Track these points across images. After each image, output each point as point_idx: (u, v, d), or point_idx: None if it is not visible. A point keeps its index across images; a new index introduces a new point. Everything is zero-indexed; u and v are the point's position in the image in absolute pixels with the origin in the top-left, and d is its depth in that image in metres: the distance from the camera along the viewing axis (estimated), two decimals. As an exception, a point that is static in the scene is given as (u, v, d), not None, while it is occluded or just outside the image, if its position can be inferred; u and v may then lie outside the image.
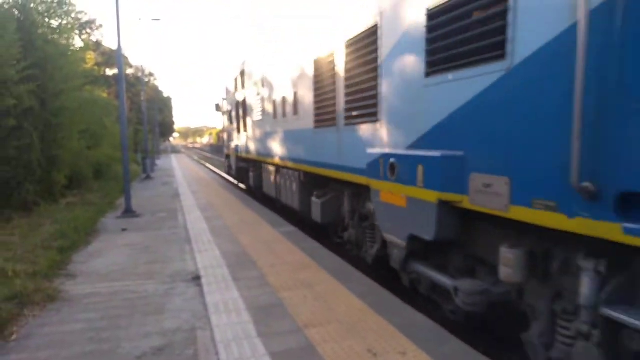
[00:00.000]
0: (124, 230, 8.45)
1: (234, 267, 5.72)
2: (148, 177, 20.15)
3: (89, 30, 40.56)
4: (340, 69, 5.76)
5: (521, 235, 3.23)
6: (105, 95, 25.86)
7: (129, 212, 10.11)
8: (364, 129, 5.17)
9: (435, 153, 3.69)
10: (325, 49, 6.30)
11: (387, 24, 4.59)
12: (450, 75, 3.58)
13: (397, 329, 3.76)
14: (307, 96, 7.19)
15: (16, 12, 10.53)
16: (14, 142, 9.41)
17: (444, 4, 3.61)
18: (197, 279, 5.34)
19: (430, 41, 3.82)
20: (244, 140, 13.73)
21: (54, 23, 11.75)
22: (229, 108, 16.60)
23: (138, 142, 33.85)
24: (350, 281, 5.03)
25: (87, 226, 8.43)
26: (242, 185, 16.50)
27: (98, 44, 40.84)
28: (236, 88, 14.57)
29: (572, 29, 2.50)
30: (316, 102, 6.75)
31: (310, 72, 6.92)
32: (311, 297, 4.58)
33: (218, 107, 18.86)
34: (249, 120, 12.57)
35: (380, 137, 4.82)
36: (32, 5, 10.76)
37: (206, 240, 7.32)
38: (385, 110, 4.69)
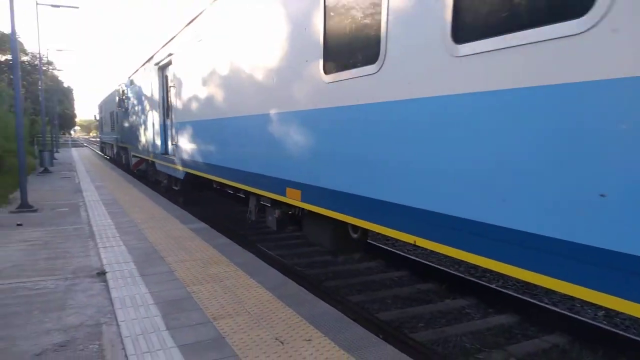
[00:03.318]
0: (19, 225, 7.89)
1: (141, 263, 5.61)
2: (46, 171, 18.80)
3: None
4: None
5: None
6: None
7: (24, 207, 9.43)
8: None
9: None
10: None
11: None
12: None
13: (303, 318, 3.94)
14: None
15: None
16: None
17: None
18: (102, 274, 5.18)
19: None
20: (102, 135, 34.18)
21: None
22: (100, 117, 33.44)
23: (34, 133, 31.40)
24: (261, 275, 5.14)
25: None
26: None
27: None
28: (100, 111, 32.42)
29: None
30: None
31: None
32: (221, 290, 4.64)
33: (96, 117, 35.41)
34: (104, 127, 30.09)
35: None
36: None
37: (111, 236, 7.06)
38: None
